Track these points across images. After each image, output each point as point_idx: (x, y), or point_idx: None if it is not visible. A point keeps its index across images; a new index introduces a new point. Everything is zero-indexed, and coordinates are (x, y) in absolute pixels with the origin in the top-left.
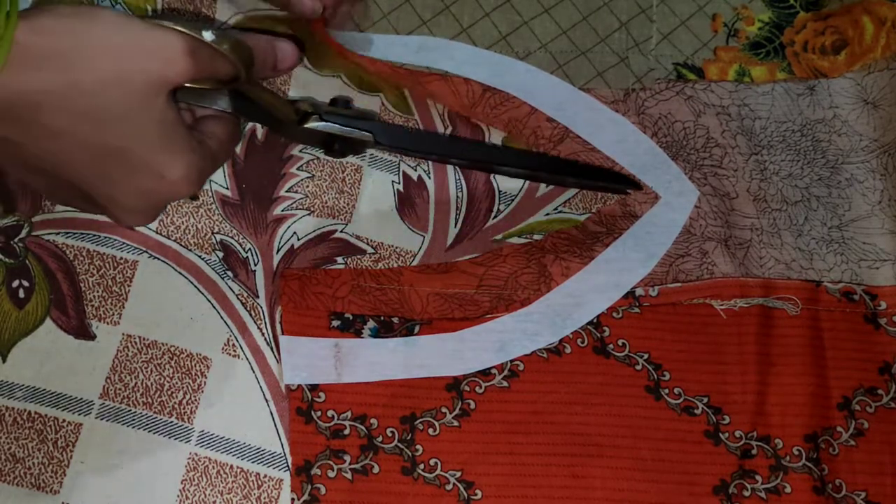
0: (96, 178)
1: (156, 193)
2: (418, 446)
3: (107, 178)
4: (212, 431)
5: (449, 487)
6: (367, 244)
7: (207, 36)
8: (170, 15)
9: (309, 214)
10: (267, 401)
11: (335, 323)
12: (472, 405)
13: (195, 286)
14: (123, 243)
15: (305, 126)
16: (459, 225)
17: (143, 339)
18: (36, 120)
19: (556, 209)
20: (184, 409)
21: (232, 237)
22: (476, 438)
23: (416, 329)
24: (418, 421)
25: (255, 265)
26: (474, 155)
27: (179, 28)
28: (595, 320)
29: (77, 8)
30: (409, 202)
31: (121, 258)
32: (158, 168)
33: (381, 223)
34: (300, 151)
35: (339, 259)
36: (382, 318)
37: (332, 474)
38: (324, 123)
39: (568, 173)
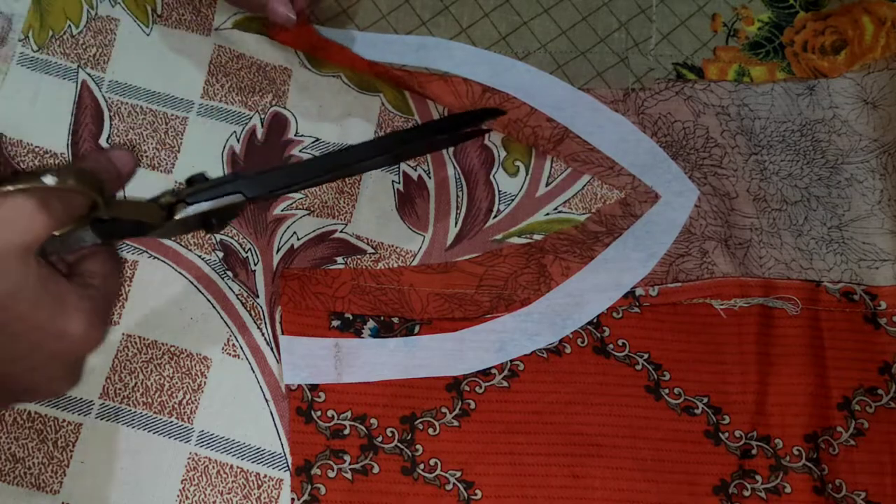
0: (6, 361)
1: (66, 353)
2: (418, 446)
3: (17, 357)
4: (212, 431)
5: (449, 487)
6: (367, 244)
7: (49, 181)
8: (11, 174)
9: (309, 214)
10: (267, 401)
11: (335, 323)
12: (472, 405)
13: (195, 286)
14: (123, 243)
15: (176, 218)
16: (459, 225)
17: (143, 339)
18: None
19: (556, 209)
20: (184, 409)
21: (232, 237)
22: (476, 438)
23: (416, 329)
24: (418, 421)
25: (255, 265)
26: (343, 160)
27: (21, 186)
28: (595, 320)
29: None
30: (409, 202)
31: (121, 258)
32: (58, 328)
33: (381, 223)
34: (300, 151)
35: (339, 259)
36: (382, 318)
37: (332, 474)
38: (192, 206)
39: (435, 133)
